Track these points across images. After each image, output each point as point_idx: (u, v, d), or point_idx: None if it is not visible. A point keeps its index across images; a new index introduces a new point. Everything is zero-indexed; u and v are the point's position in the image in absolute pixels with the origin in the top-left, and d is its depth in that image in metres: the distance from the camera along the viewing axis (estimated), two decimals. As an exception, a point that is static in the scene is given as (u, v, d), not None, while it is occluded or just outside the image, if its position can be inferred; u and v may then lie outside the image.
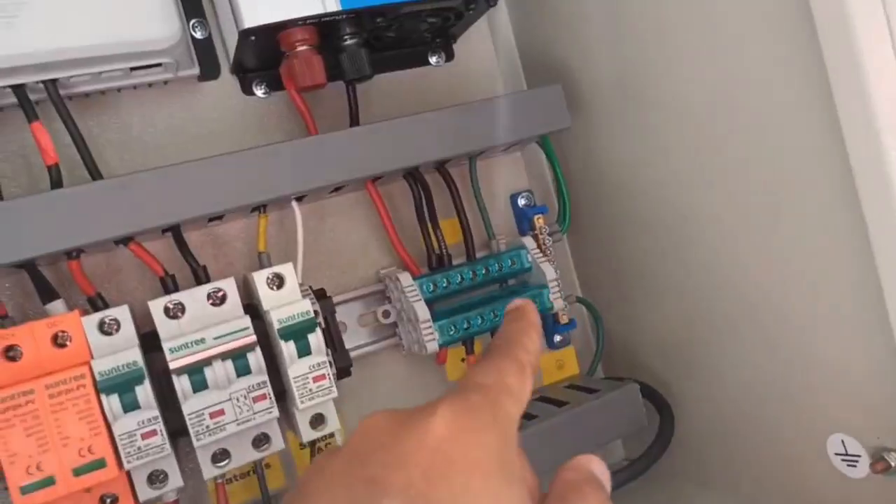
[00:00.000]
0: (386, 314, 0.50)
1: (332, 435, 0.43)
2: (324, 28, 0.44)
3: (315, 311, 0.43)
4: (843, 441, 0.40)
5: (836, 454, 0.41)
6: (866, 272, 0.35)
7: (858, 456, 0.40)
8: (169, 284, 0.41)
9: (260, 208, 0.44)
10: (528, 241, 0.51)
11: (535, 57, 0.58)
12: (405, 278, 0.47)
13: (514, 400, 0.24)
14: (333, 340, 0.44)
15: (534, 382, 0.27)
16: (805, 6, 0.34)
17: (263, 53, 0.45)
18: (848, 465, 0.40)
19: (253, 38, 0.41)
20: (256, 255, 0.45)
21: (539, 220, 0.54)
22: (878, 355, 0.37)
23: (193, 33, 0.47)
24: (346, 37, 0.44)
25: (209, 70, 0.48)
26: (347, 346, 0.50)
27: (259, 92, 0.49)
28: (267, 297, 0.42)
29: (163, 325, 0.39)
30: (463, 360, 0.51)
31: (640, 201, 0.51)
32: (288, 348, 0.40)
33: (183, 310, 0.40)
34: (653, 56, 0.46)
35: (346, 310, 0.50)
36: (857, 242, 0.35)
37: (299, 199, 0.46)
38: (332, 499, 0.21)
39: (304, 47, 0.43)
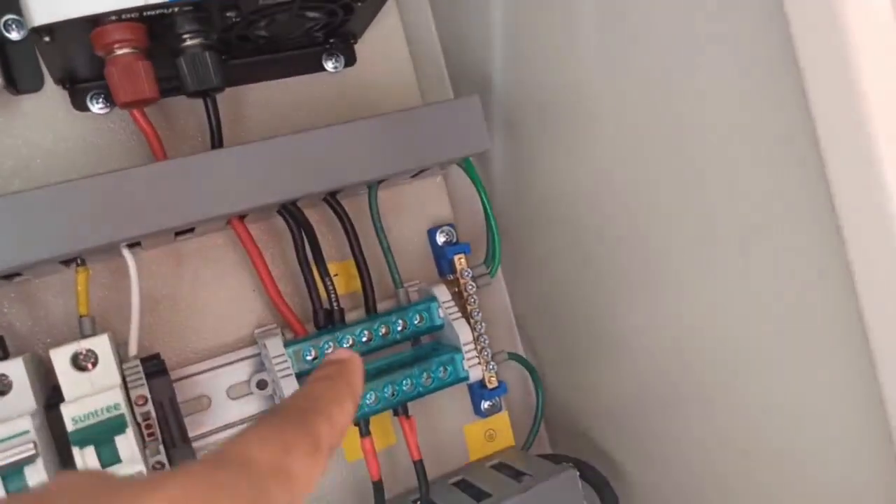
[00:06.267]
0: (261, 384, 0.40)
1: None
2: (155, 26, 0.33)
3: (143, 397, 0.33)
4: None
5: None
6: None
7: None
8: (-57, 365, 0.31)
9: (76, 260, 0.34)
10: (441, 292, 0.41)
11: (463, 62, 0.48)
12: (273, 346, 0.37)
13: (289, 493, 0.18)
14: (171, 432, 0.34)
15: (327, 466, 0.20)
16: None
17: (85, 58, 0.35)
18: None
19: (47, 38, 0.31)
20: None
21: (460, 261, 0.44)
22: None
23: (6, 34, 0.37)
24: (184, 36, 0.34)
25: (28, 80, 0.38)
26: (212, 425, 0.40)
27: (95, 107, 0.39)
28: (70, 382, 0.31)
29: (-89, 429, 0.29)
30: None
31: (584, 239, 0.41)
32: (84, 457, 0.29)
33: (-53, 404, 0.30)
34: (598, 68, 0.36)
35: (212, 379, 0.40)
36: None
37: (133, 244, 0.36)
38: None
39: (124, 50, 0.33)
